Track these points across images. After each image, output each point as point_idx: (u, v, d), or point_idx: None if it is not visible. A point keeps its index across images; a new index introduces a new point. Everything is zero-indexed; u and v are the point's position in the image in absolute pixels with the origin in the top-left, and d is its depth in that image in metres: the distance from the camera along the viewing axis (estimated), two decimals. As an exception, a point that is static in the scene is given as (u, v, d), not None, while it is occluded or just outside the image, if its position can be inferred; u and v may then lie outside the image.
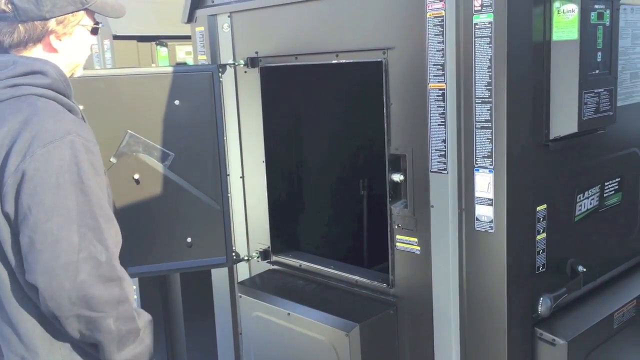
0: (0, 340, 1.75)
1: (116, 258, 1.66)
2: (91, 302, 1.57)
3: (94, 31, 1.91)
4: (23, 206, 1.57)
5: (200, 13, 2.75)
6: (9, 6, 1.74)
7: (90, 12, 1.88)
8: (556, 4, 1.97)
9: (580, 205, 2.27)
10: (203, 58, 2.79)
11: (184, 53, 3.67)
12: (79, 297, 1.56)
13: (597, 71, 2.05)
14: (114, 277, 1.62)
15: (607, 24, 2.05)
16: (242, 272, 2.86)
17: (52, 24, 1.78)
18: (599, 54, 2.06)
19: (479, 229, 2.00)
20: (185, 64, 3.64)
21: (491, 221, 1.96)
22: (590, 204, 2.31)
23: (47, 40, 1.80)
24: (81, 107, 1.91)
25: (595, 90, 2.05)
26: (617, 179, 2.42)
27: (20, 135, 1.59)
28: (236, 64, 2.62)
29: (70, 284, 1.55)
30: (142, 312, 1.77)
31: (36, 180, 1.56)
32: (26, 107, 1.65)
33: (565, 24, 1.97)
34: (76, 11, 1.81)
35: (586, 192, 2.28)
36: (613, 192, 2.41)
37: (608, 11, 2.05)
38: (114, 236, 1.67)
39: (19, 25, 1.75)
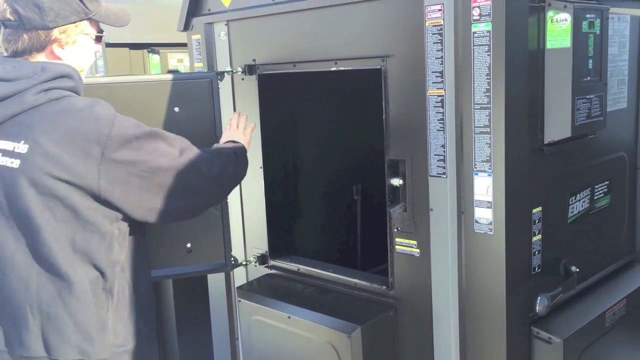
0: (53, 335, 1.77)
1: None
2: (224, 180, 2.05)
3: (98, 39, 1.95)
4: (131, 167, 1.75)
5: (197, 21, 2.78)
6: (14, 15, 1.78)
7: (94, 21, 1.92)
8: (550, 14, 2.04)
9: (573, 208, 2.34)
10: (199, 65, 2.82)
11: (175, 60, 3.69)
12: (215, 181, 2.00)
13: (589, 78, 2.13)
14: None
15: (598, 32, 2.13)
16: (239, 277, 2.89)
17: (55, 33, 1.82)
18: (590, 61, 2.13)
19: (478, 231, 2.05)
20: (177, 71, 3.66)
21: (490, 223, 2.02)
22: (582, 206, 2.38)
23: (50, 48, 1.84)
24: None
25: (587, 96, 2.13)
26: (607, 182, 2.50)
27: (92, 127, 1.71)
28: (234, 71, 2.66)
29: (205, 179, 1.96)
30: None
31: (130, 149, 1.75)
32: (70, 106, 1.75)
33: (558, 32, 2.05)
34: (79, 21, 1.85)
35: (578, 195, 2.36)
36: (602, 194, 2.49)
37: (598, 20, 2.12)
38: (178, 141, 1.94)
39: (23, 33, 1.80)
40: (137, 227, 1.92)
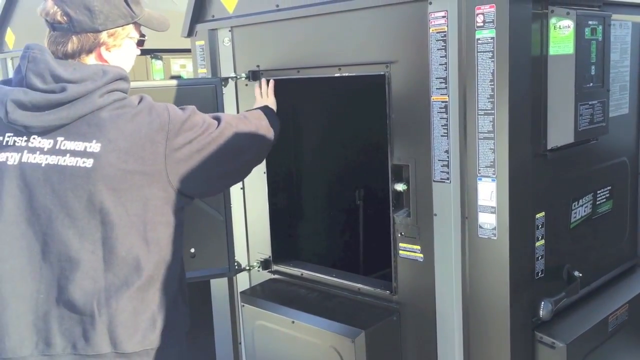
0: (119, 328, 1.81)
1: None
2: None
3: (140, 43, 2.01)
4: (197, 154, 1.89)
5: (201, 27, 2.80)
6: (65, 18, 1.82)
7: (137, 25, 1.97)
8: (553, 20, 2.06)
9: (575, 213, 2.35)
10: (203, 71, 2.83)
11: (178, 66, 3.70)
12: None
13: (591, 84, 2.14)
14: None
15: (600, 39, 2.15)
16: (242, 282, 2.90)
17: (104, 36, 1.86)
18: (593, 67, 2.15)
19: (482, 236, 2.07)
20: (180, 77, 3.67)
21: (494, 228, 2.04)
22: (584, 211, 2.40)
23: (98, 51, 1.88)
24: None
25: (590, 102, 2.14)
26: (609, 187, 2.52)
27: (154, 117, 1.82)
28: (238, 77, 2.67)
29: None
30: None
31: (186, 129, 1.88)
32: (131, 105, 1.82)
33: (561, 39, 2.06)
34: (126, 24, 1.90)
35: (580, 200, 2.37)
36: (605, 199, 2.50)
37: (601, 27, 2.14)
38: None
39: (73, 36, 1.84)
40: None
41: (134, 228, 1.80)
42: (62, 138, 1.76)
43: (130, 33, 1.93)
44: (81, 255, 1.77)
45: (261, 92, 2.57)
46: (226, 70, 2.75)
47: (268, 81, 2.57)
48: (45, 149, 1.76)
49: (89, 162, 1.74)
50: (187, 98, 2.49)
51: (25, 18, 3.98)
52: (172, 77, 3.69)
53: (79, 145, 1.75)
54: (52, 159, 1.76)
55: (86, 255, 1.77)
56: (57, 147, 1.76)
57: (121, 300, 1.80)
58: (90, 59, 1.87)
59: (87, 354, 1.79)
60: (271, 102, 2.50)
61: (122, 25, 1.88)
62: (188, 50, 2.92)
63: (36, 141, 1.77)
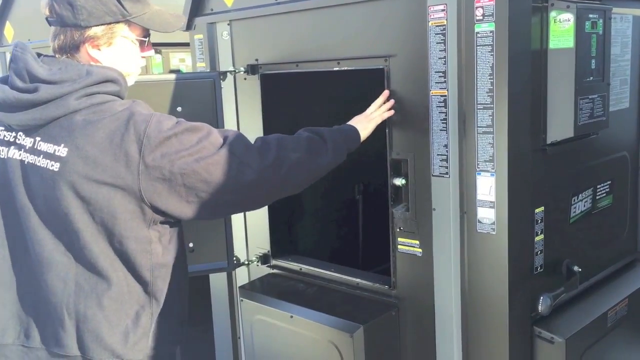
0: (88, 335, 1.78)
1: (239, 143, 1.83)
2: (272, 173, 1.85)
3: (144, 43, 1.89)
4: (179, 167, 1.71)
5: (199, 21, 2.78)
6: (52, 12, 1.79)
7: (136, 24, 1.85)
8: (553, 14, 2.04)
9: (575, 208, 2.34)
10: (202, 65, 2.82)
11: (177, 60, 3.68)
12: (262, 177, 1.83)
13: (591, 78, 2.13)
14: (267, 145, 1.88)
15: (600, 32, 2.14)
16: (241, 276, 2.89)
17: (88, 32, 1.78)
18: (593, 61, 2.14)
19: (481, 231, 2.06)
20: (179, 71, 3.66)
21: (493, 223, 2.03)
22: (584, 206, 2.39)
23: (85, 48, 1.80)
24: None
25: (590, 96, 2.13)
26: (609, 182, 2.51)
27: (130, 127, 1.69)
28: (236, 71, 2.66)
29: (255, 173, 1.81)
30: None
31: (168, 146, 1.71)
32: (110, 110, 1.72)
33: (561, 32, 2.05)
34: (114, 22, 1.80)
35: (580, 195, 2.36)
36: (605, 194, 2.49)
37: (601, 20, 2.13)
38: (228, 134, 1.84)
39: (61, 32, 1.80)
40: (178, 230, 1.91)
41: (100, 238, 1.74)
42: (39, 138, 1.73)
43: (122, 32, 1.83)
44: (54, 256, 1.76)
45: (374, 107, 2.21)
46: (225, 64, 2.74)
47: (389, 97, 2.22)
48: (27, 147, 1.74)
49: (56, 166, 1.70)
50: (185, 92, 2.49)
51: (24, 12, 3.97)
52: (172, 71, 3.67)
53: (50, 148, 1.71)
54: (31, 158, 1.73)
55: (59, 257, 1.76)
56: (35, 146, 1.73)
57: (89, 309, 1.76)
58: (81, 57, 1.81)
59: (59, 353, 1.79)
60: (365, 128, 2.16)
61: (110, 23, 1.80)
62: (187, 44, 2.91)
63: (21, 138, 1.76)
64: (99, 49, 1.81)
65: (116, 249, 1.76)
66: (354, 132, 2.13)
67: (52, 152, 1.71)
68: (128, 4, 1.80)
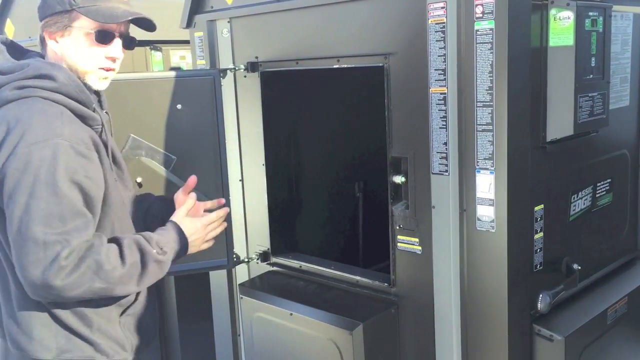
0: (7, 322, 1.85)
1: (83, 250, 1.66)
2: (58, 292, 1.65)
3: (99, 37, 1.82)
4: (5, 203, 1.65)
5: (199, 18, 2.78)
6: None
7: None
8: (553, 11, 2.04)
9: (575, 206, 2.34)
10: (202, 63, 2.82)
11: (178, 57, 3.69)
12: (45, 287, 1.64)
13: (591, 76, 2.13)
14: (78, 265, 1.65)
15: (600, 30, 2.13)
16: (241, 274, 2.89)
17: (44, 22, 1.83)
18: (593, 59, 2.13)
19: (480, 229, 2.06)
20: (179, 68, 3.66)
21: (492, 221, 2.03)
22: (584, 204, 2.39)
23: (45, 40, 1.85)
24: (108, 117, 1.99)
25: (590, 94, 2.13)
26: (609, 180, 2.50)
27: (10, 134, 1.65)
28: (236, 68, 2.66)
29: (38, 278, 1.63)
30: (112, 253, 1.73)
31: (15, 179, 1.62)
32: (25, 108, 1.70)
33: (561, 30, 2.05)
34: (63, 11, 1.79)
35: (580, 193, 2.36)
36: (605, 192, 2.49)
37: (601, 18, 2.12)
38: (86, 233, 1.68)
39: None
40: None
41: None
42: None
43: (76, 22, 1.79)
44: None
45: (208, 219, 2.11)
46: (225, 61, 2.74)
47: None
48: None
49: None
50: (185, 90, 2.49)
51: (24, 9, 3.97)
52: (172, 69, 3.67)
53: None
54: None
55: None
56: None
57: (7, 307, 1.85)
58: (48, 50, 1.85)
59: (8, 346, 1.86)
60: (193, 244, 2.06)
61: (59, 12, 1.78)
62: (188, 42, 2.90)
63: None
64: (56, 41, 1.83)
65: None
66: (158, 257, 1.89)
67: None
68: None
